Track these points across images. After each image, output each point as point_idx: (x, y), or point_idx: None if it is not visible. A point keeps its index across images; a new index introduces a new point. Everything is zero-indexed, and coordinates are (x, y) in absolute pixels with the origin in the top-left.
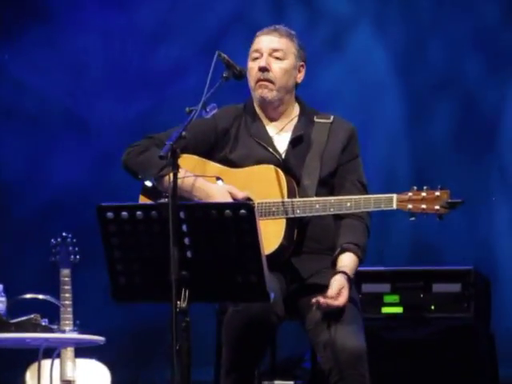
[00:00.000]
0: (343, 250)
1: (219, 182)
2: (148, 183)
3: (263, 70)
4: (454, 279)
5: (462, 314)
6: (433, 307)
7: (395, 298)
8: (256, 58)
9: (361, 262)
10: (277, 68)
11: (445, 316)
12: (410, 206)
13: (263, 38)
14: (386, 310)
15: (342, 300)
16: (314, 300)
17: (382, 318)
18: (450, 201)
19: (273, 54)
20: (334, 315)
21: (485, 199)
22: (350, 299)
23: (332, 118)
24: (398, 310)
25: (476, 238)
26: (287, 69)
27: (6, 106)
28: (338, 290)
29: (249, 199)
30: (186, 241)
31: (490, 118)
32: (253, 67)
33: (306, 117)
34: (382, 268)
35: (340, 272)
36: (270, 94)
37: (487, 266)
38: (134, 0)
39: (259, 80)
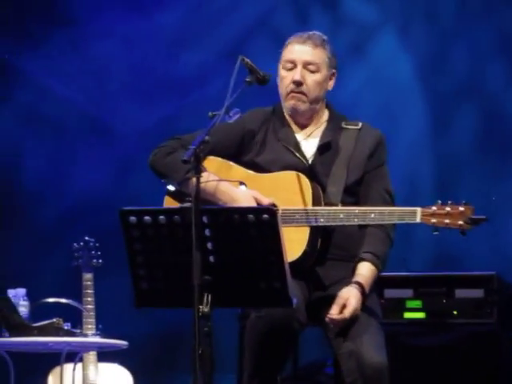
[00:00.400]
0: (360, 260)
1: (242, 186)
2: (171, 187)
3: (298, 83)
4: (476, 285)
5: (484, 320)
6: (455, 313)
7: (418, 304)
8: (289, 69)
9: (379, 270)
10: (310, 81)
11: (467, 322)
12: (433, 221)
13: (297, 47)
14: (408, 315)
15: (347, 312)
16: (326, 320)
17: (405, 324)
18: (473, 217)
19: (307, 66)
20: (356, 325)
21: (509, 206)
22: (370, 311)
23: (360, 124)
24: (421, 315)
25: (499, 244)
26: (320, 81)
27: (29, 112)
28: (340, 305)
29: (273, 205)
30: (209, 245)
31: None
32: (285, 77)
33: (334, 123)
34: (404, 273)
35: (352, 283)
36: (302, 105)
37: (511, 271)
38: (156, 6)
39: (292, 91)
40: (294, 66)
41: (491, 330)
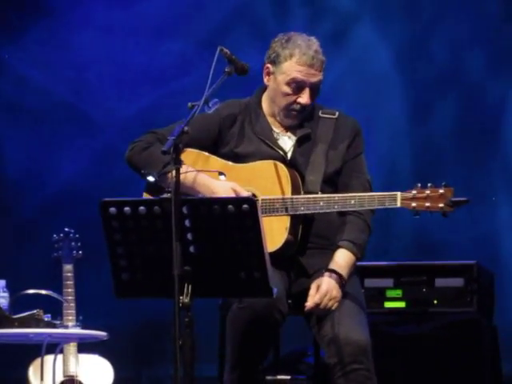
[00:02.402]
0: (337, 247)
1: (221, 177)
2: (151, 178)
3: (305, 105)
4: (456, 274)
5: (464, 309)
6: (435, 302)
7: (398, 293)
8: (296, 88)
9: (357, 257)
10: (313, 99)
11: (448, 311)
12: (413, 205)
13: (306, 70)
14: (388, 304)
15: (317, 296)
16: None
17: (385, 313)
18: (454, 199)
19: (312, 86)
20: (336, 311)
21: (488, 194)
22: (350, 295)
23: (337, 113)
24: (401, 304)
25: (479, 233)
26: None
27: (9, 102)
28: (312, 295)
29: (253, 196)
30: (189, 236)
31: (492, 113)
32: (290, 95)
33: (311, 113)
34: (384, 263)
35: (325, 270)
36: (297, 120)
37: (490, 260)
38: None
39: (295, 110)
40: (302, 87)
41: (471, 319)
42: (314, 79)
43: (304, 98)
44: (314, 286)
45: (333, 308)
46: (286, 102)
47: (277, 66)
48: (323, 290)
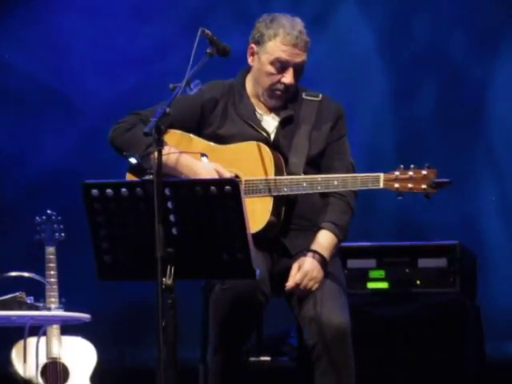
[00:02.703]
0: (319, 229)
1: (204, 158)
2: (133, 160)
3: (289, 86)
4: (439, 254)
5: (447, 289)
6: (418, 282)
7: (381, 274)
8: (280, 68)
9: (339, 239)
10: (296, 80)
11: (431, 291)
12: (396, 186)
13: (290, 50)
14: (371, 285)
15: (297, 276)
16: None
17: (368, 294)
18: (437, 181)
19: (296, 67)
20: (316, 292)
21: (471, 175)
22: (332, 276)
23: (320, 96)
24: (384, 285)
25: (462, 213)
26: (301, 75)
27: None
28: (293, 276)
29: (236, 177)
30: (172, 218)
31: (475, 93)
32: (274, 75)
33: (294, 94)
34: (367, 243)
35: (307, 251)
36: (281, 101)
37: (473, 241)
38: None
39: (279, 90)
40: (286, 67)
41: (454, 299)
42: (298, 59)
43: (288, 78)
44: (295, 266)
45: (313, 289)
46: (270, 82)
47: (261, 46)
48: (304, 270)
